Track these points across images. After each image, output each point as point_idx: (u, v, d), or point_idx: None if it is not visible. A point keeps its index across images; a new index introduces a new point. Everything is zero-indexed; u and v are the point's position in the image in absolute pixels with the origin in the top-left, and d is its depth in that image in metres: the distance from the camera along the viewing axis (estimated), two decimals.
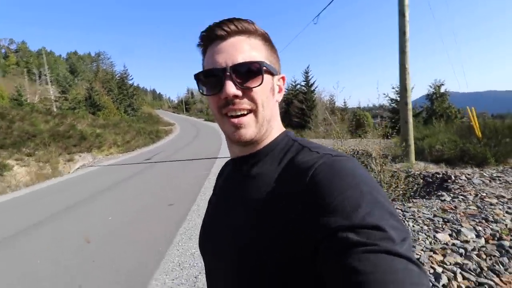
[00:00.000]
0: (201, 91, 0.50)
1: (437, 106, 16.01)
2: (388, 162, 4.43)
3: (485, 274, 1.67)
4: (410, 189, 3.76)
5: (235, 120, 0.47)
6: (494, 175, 3.95)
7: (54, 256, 2.89)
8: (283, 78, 0.55)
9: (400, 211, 2.84)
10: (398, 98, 16.94)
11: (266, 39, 0.51)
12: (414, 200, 3.32)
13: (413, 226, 2.46)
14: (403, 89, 6.13)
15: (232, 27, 0.47)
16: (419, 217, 2.64)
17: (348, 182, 0.37)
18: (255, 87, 0.46)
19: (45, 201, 5.72)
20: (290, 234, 0.38)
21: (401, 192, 3.61)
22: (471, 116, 6.43)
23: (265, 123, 0.49)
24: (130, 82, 41.78)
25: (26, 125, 15.01)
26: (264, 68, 0.47)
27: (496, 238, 2.10)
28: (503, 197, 2.92)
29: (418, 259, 1.91)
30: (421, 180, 4.22)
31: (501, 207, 2.66)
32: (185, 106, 74.61)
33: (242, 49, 0.46)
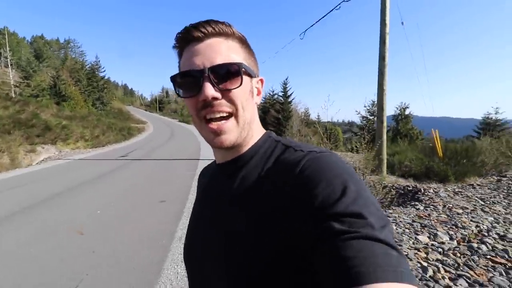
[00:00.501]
0: (178, 93, 0.49)
1: (401, 126, 17.42)
2: (367, 174, 4.84)
3: (461, 268, 2.00)
4: (386, 199, 4.18)
5: (215, 126, 0.46)
6: (456, 190, 4.50)
7: (47, 247, 2.79)
8: (261, 80, 0.55)
9: None
10: (369, 116, 18.22)
11: (243, 41, 0.51)
12: (393, 208, 3.71)
13: (397, 229, 2.78)
14: (380, 108, 6.71)
15: (209, 29, 0.46)
16: (400, 221, 2.99)
17: (333, 175, 0.39)
18: (234, 88, 0.46)
19: (19, 191, 5.33)
20: (283, 230, 0.39)
21: (379, 201, 3.99)
22: (435, 137, 7.20)
23: (246, 126, 0.49)
24: (102, 74, 39.81)
25: None
26: (243, 69, 0.47)
27: (466, 241, 2.47)
28: (467, 208, 3.39)
29: (406, 255, 2.21)
30: (394, 192, 4.68)
31: (466, 216, 3.11)
32: (158, 105, 72.42)
33: (220, 51, 0.46)
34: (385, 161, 6.49)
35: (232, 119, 0.47)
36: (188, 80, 0.47)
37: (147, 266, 2.38)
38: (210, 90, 0.44)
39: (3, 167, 9.37)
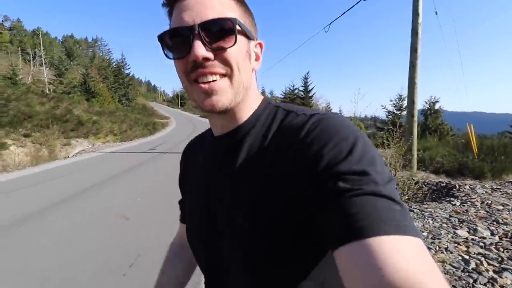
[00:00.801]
0: (166, 55, 0.45)
1: (430, 121, 16.69)
2: (398, 169, 4.76)
3: (506, 262, 1.97)
4: (418, 195, 4.09)
5: (206, 86, 0.42)
6: (494, 187, 4.33)
7: (98, 231, 3.04)
8: (260, 44, 0.50)
9: (418, 210, 3.15)
10: (395, 111, 17.64)
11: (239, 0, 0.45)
12: (428, 203, 3.64)
13: (434, 224, 2.76)
14: (410, 101, 6.51)
15: None
16: (436, 216, 2.95)
17: (340, 137, 0.37)
18: (228, 47, 0.41)
19: (63, 180, 5.77)
20: (288, 195, 0.39)
21: (412, 195, 3.93)
22: (469, 132, 6.89)
23: (241, 90, 0.45)
24: (127, 71, 41.31)
25: (21, 105, 14.69)
26: (238, 27, 0.42)
27: (509, 237, 2.41)
28: (507, 205, 3.27)
29: (446, 248, 2.20)
30: (426, 188, 4.57)
31: (507, 212, 3.00)
32: (180, 100, 74.11)
33: (212, 6, 0.41)
34: (415, 156, 6.32)
35: (226, 79, 0.43)
36: (177, 40, 0.42)
37: None
38: (200, 49, 0.40)
39: (43, 159, 10.09)
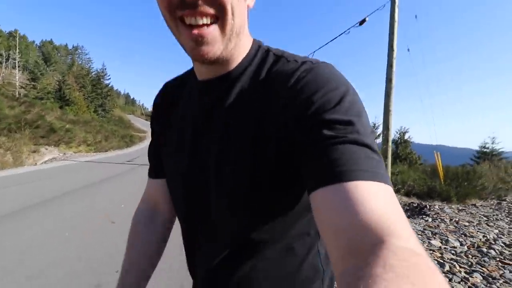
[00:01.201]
0: None
1: (401, 150, 17.81)
2: None
3: (474, 266, 2.19)
4: None
5: (195, 32, 0.37)
6: (460, 208, 4.72)
7: (85, 232, 2.92)
8: None
9: None
10: None
11: None
12: None
13: None
14: (385, 128, 7.02)
15: None
16: (412, 229, 3.18)
17: (330, 84, 0.37)
18: None
19: (40, 184, 5.43)
20: (276, 140, 0.40)
21: None
22: (437, 160, 7.50)
23: (234, 37, 0.41)
24: (107, 81, 40.47)
25: None
26: None
27: (475, 247, 2.67)
28: (472, 222, 3.60)
29: None
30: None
31: (473, 227, 3.30)
32: None
33: None
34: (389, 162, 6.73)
35: (216, 26, 0.38)
36: None
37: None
38: None
39: (7, 165, 9.42)
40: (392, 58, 6.99)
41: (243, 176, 0.42)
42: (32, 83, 27.80)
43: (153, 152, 0.60)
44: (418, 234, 2.99)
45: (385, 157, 6.87)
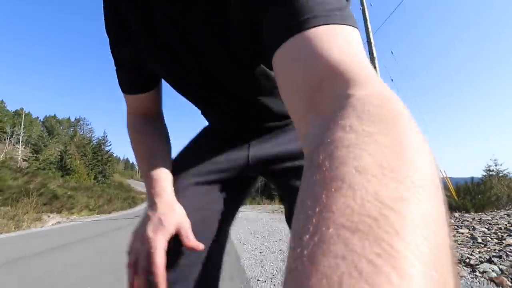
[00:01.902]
0: None
1: None
2: None
3: (505, 237, 2.28)
4: None
5: None
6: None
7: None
8: None
9: None
10: None
11: None
12: None
13: None
14: None
15: None
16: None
17: None
18: None
19: (58, 235, 5.29)
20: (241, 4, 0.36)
21: None
22: (445, 177, 7.59)
23: None
24: (108, 148, 41.51)
25: None
26: None
27: (502, 229, 2.74)
28: (495, 216, 3.64)
29: (454, 235, 2.45)
30: None
31: (496, 219, 3.36)
32: None
33: None
34: None
35: None
36: None
37: None
38: None
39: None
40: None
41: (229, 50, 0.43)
42: (35, 155, 28.48)
43: (131, 67, 0.53)
44: None
45: None
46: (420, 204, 0.13)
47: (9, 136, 37.52)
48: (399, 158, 0.15)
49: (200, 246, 0.48)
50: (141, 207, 18.55)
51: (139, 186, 48.10)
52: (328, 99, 0.24)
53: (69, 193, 17.45)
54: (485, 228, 2.82)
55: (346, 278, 0.10)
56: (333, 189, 0.14)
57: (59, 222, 11.28)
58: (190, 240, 0.47)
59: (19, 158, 29.34)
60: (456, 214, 4.66)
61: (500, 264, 1.67)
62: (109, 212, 15.98)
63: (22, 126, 36.45)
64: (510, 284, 1.33)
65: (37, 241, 4.96)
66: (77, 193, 18.53)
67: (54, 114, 61.49)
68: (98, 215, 14.54)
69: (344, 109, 0.20)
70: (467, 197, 6.44)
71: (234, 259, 2.65)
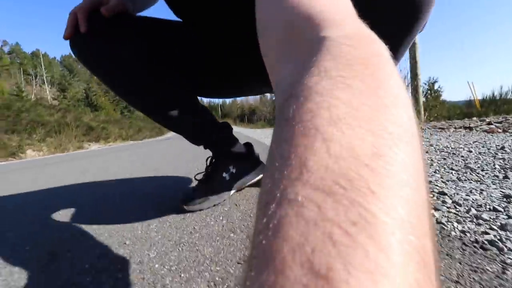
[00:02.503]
0: None
1: (431, 100, 17.12)
2: None
3: None
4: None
5: None
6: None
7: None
8: None
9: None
10: None
11: None
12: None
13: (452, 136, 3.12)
14: (415, 76, 6.93)
15: None
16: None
17: None
18: None
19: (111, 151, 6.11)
20: None
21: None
22: (472, 89, 7.29)
23: None
24: None
25: (32, 116, 15.15)
26: None
27: None
28: None
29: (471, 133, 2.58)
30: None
31: None
32: None
33: None
34: (421, 104, 6.72)
35: None
36: None
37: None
38: None
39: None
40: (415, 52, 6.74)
41: None
42: (63, 93, 29.70)
43: None
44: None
45: (418, 112, 6.84)
46: (397, 160, 0.12)
47: (34, 78, 38.72)
48: (376, 106, 0.14)
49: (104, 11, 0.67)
50: (169, 134, 19.85)
51: None
52: (300, 42, 0.21)
53: (102, 125, 18.85)
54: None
55: (318, 254, 0.09)
56: (303, 147, 0.13)
57: (100, 147, 12.62)
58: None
59: (48, 98, 30.87)
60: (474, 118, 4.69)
61: None
62: (141, 140, 17.37)
63: (43, 67, 37.09)
64: (500, 130, 1.51)
65: (92, 153, 5.70)
66: (109, 125, 19.95)
67: (69, 53, 61.15)
68: (133, 141, 15.87)
69: (318, 53, 0.18)
70: (491, 107, 6.30)
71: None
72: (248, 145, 1.05)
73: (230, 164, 0.95)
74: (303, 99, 0.15)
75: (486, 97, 7.01)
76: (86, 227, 0.82)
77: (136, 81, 0.74)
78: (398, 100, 0.15)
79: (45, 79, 36.11)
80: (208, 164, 0.98)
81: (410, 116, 0.15)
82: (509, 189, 0.87)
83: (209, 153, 1.00)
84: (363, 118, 0.13)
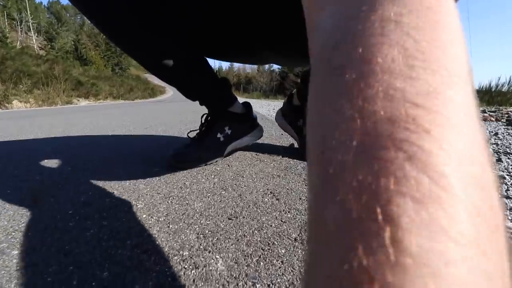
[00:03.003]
0: None
1: None
2: None
3: None
4: None
5: None
6: None
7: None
8: None
9: None
10: None
11: None
12: None
13: None
14: None
15: None
16: None
17: None
18: None
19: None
20: None
21: None
22: None
23: None
24: None
25: (18, 65, 14.37)
26: None
27: None
28: None
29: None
30: None
31: None
32: None
33: None
34: None
35: None
36: None
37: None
38: None
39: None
40: None
41: None
42: (50, 43, 28.09)
43: None
44: None
45: None
46: (455, 97, 0.11)
47: (18, 23, 36.11)
48: (434, 43, 0.13)
49: None
50: (161, 97, 19.39)
51: (156, 80, 48.52)
52: None
53: (91, 81, 18.12)
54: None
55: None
56: (356, 94, 0.12)
57: (89, 103, 12.27)
58: None
59: (35, 47, 29.16)
60: None
61: None
62: (133, 100, 16.93)
63: (29, 12, 34.49)
64: (493, 119, 1.53)
65: (82, 108, 5.54)
66: (99, 82, 19.20)
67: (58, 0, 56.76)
68: (124, 100, 15.47)
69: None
70: (485, 98, 6.30)
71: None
72: (247, 105, 1.01)
73: (226, 125, 0.91)
74: (354, 43, 0.14)
75: (481, 87, 6.97)
76: (71, 176, 0.79)
77: (131, 22, 0.67)
78: (457, 37, 0.14)
79: (31, 25, 33.83)
80: (202, 121, 0.94)
81: (466, 54, 0.14)
82: (502, 171, 0.87)
83: (204, 110, 0.96)
84: (419, 58, 0.12)
